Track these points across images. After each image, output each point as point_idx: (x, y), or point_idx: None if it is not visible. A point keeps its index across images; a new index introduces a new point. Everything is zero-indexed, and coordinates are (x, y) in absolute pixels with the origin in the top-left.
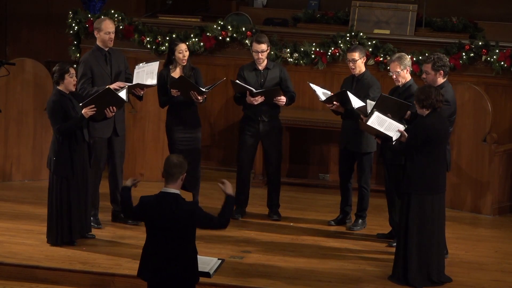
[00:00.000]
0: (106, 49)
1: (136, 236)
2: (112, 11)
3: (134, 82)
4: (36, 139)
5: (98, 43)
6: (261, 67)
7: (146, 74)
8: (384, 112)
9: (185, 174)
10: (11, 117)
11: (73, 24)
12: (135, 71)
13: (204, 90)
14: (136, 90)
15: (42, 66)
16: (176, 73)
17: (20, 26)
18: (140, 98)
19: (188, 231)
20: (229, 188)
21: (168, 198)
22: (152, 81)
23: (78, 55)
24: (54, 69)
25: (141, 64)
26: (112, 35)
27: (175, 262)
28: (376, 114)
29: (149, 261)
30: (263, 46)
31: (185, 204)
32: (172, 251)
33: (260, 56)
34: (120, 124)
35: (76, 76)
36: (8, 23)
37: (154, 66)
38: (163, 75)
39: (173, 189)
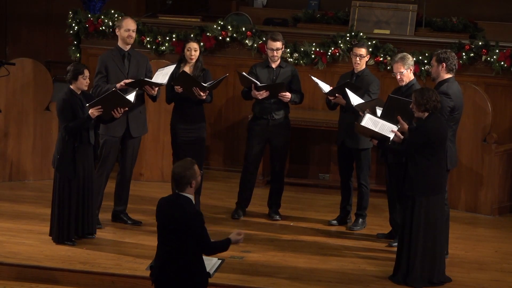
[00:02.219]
0: (126, 50)
1: (136, 236)
2: (112, 11)
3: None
4: (36, 139)
5: (119, 42)
6: (274, 65)
7: (162, 75)
8: (393, 113)
9: (195, 179)
10: (11, 117)
11: (73, 24)
12: (156, 73)
13: (205, 85)
14: (146, 89)
15: (42, 66)
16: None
17: (20, 26)
18: (154, 98)
19: (188, 236)
20: (235, 238)
21: (179, 200)
22: (163, 81)
23: (78, 55)
24: (68, 68)
25: (162, 67)
26: (132, 33)
27: (182, 264)
28: (368, 116)
29: (157, 261)
30: (278, 44)
31: (190, 209)
32: (178, 252)
33: (275, 53)
34: (135, 126)
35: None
36: (8, 23)
37: (170, 69)
38: (172, 72)
39: (186, 194)
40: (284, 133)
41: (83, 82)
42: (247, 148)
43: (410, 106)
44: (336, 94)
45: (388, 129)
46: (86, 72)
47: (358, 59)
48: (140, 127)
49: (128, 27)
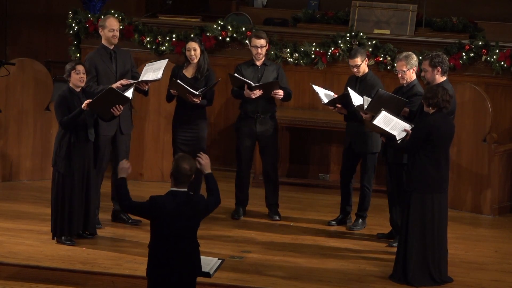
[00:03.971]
0: (111, 47)
1: (136, 236)
2: (112, 11)
3: (140, 79)
4: (36, 139)
5: (103, 41)
6: (259, 63)
7: (154, 71)
8: (379, 107)
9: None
10: (11, 117)
11: (73, 24)
12: (144, 68)
13: (197, 93)
14: (141, 85)
15: (42, 66)
16: (188, 71)
17: (20, 26)
18: (145, 93)
19: (197, 225)
20: (207, 166)
21: (180, 196)
22: (157, 76)
23: (78, 55)
24: (65, 66)
25: (150, 62)
26: (116, 33)
27: (185, 258)
28: (384, 113)
29: (160, 259)
30: (262, 41)
31: (197, 199)
32: (182, 248)
33: (259, 51)
34: (125, 122)
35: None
36: (8, 23)
37: (162, 63)
38: (174, 71)
39: (182, 188)
40: (272, 131)
41: (76, 77)
42: (237, 148)
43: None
44: (337, 104)
45: (401, 128)
46: (79, 67)
47: (355, 69)
48: (129, 123)
49: (112, 27)
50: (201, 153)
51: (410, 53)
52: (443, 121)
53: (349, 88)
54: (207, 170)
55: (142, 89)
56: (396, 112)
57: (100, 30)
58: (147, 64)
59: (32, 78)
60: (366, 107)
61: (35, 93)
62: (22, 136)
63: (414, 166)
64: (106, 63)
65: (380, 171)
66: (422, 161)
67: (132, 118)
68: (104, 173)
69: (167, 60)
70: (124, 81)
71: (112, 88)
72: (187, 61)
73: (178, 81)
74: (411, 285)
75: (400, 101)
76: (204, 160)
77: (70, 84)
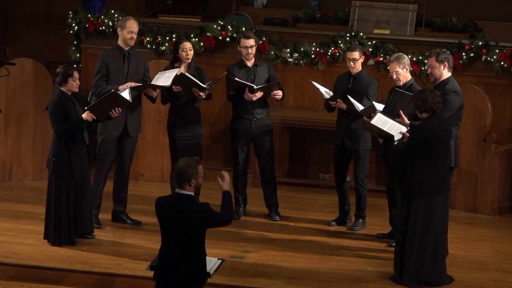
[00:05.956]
0: (127, 49)
1: (136, 236)
2: (112, 11)
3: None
4: (36, 139)
5: (119, 41)
6: (249, 63)
7: (164, 78)
8: (395, 107)
9: (196, 179)
10: (11, 117)
11: (73, 24)
12: (156, 76)
13: (204, 86)
14: (148, 91)
15: (42, 66)
16: (180, 70)
17: (20, 26)
18: (153, 100)
19: (199, 233)
20: (227, 184)
21: (182, 199)
22: (166, 82)
23: (78, 55)
24: (58, 70)
25: (163, 71)
26: (134, 35)
27: (185, 263)
28: (379, 115)
29: (160, 261)
30: (252, 41)
31: (198, 206)
32: (182, 252)
33: (249, 51)
34: (132, 125)
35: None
36: (8, 23)
37: (173, 72)
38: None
39: (186, 191)
40: (267, 132)
41: (73, 84)
42: (233, 149)
43: None
44: (338, 99)
45: (397, 130)
46: (76, 74)
47: (352, 63)
48: (137, 126)
49: (131, 29)
50: (225, 171)
51: (401, 53)
52: (439, 124)
53: (350, 97)
54: (226, 187)
55: (150, 95)
56: (413, 111)
57: (118, 30)
58: (159, 72)
59: (32, 78)
60: (382, 108)
61: (35, 93)
62: (22, 136)
63: (413, 170)
64: (118, 63)
65: (380, 171)
66: (420, 165)
67: (140, 122)
68: (108, 173)
69: (178, 69)
70: (132, 84)
71: (115, 92)
72: (177, 61)
73: (186, 73)
74: (405, 286)
75: (410, 98)
76: (226, 178)
77: (64, 89)
